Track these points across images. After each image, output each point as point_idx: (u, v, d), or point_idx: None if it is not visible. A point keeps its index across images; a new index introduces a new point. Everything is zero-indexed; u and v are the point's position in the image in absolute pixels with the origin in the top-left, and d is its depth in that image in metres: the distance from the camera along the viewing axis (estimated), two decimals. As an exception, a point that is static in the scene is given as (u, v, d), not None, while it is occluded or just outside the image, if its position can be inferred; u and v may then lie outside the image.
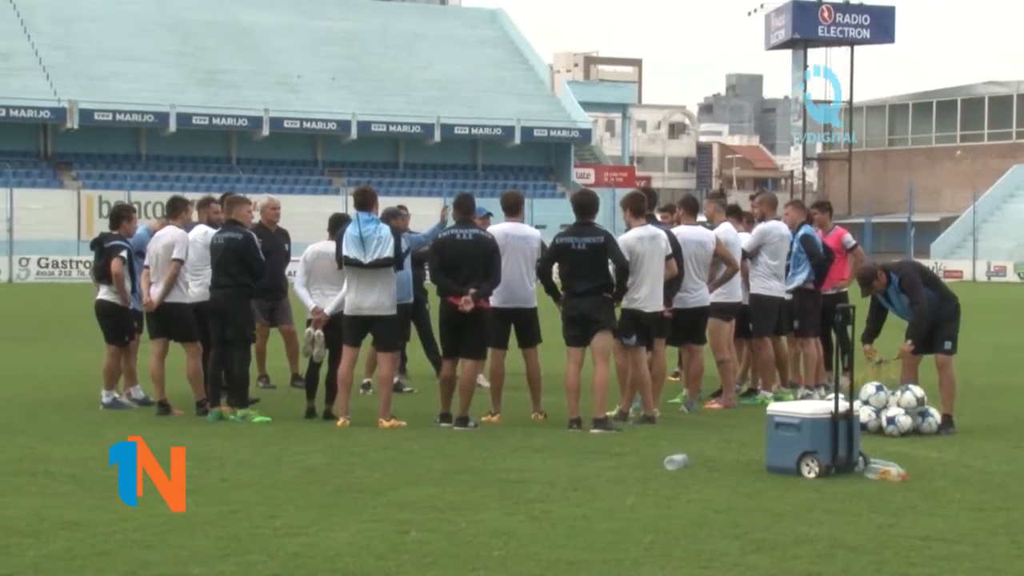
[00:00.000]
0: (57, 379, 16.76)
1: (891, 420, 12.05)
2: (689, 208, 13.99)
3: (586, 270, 12.23)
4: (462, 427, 12.39)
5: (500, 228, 13.07)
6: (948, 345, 12.48)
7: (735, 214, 15.06)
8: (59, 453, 10.92)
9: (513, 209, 13.19)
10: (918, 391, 12.19)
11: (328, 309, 12.97)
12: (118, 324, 14.01)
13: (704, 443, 11.48)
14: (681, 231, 13.52)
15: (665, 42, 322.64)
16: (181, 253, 13.38)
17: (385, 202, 13.87)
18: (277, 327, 15.76)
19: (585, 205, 12.61)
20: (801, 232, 14.60)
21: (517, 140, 70.60)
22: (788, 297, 14.53)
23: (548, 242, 12.73)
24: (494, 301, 12.73)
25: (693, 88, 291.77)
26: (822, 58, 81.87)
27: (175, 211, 13.82)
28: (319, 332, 12.99)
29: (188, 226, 13.84)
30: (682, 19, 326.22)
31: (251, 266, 13.04)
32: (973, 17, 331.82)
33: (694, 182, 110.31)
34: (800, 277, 14.52)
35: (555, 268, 12.64)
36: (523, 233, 13.06)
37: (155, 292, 13.47)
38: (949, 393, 12.45)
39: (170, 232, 13.59)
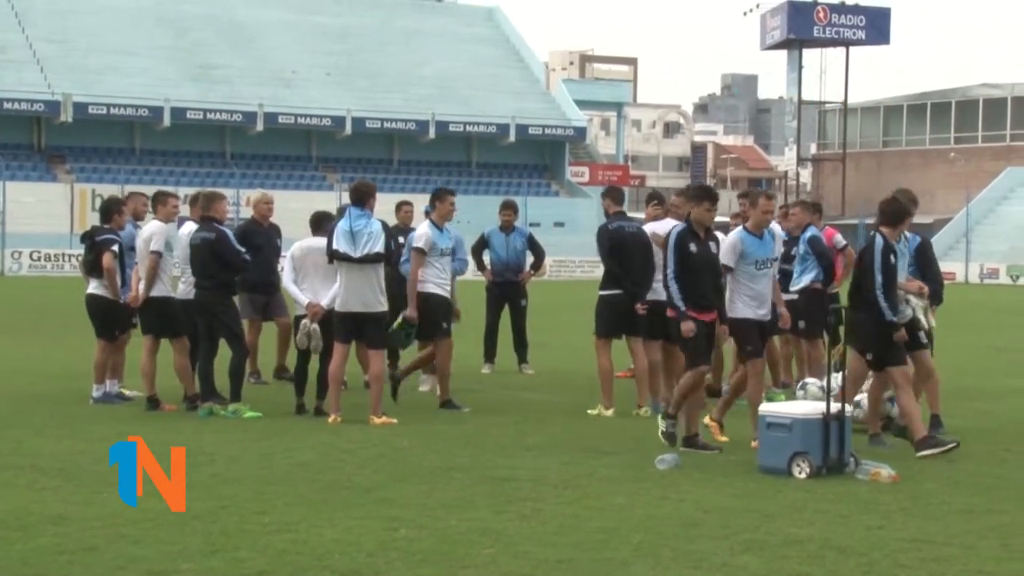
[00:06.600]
0: (48, 373, 16.72)
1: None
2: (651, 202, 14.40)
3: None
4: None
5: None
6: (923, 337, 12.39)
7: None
8: (48, 447, 10.90)
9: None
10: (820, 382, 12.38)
11: (324, 302, 12.95)
12: (108, 318, 13.97)
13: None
14: (655, 227, 13.58)
15: (660, 41, 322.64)
16: (158, 245, 13.33)
17: (379, 199, 13.79)
18: (273, 320, 15.76)
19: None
20: (808, 233, 14.68)
21: (512, 138, 70.53)
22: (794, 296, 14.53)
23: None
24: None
25: (688, 87, 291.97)
26: (817, 59, 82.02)
27: (155, 205, 13.84)
28: (315, 326, 12.95)
29: (180, 221, 13.81)
30: (678, 18, 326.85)
31: (229, 262, 13.04)
32: (968, 19, 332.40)
33: (688, 181, 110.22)
34: (808, 277, 14.57)
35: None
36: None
37: (140, 287, 13.46)
38: (933, 392, 12.40)
39: (150, 226, 13.58)
